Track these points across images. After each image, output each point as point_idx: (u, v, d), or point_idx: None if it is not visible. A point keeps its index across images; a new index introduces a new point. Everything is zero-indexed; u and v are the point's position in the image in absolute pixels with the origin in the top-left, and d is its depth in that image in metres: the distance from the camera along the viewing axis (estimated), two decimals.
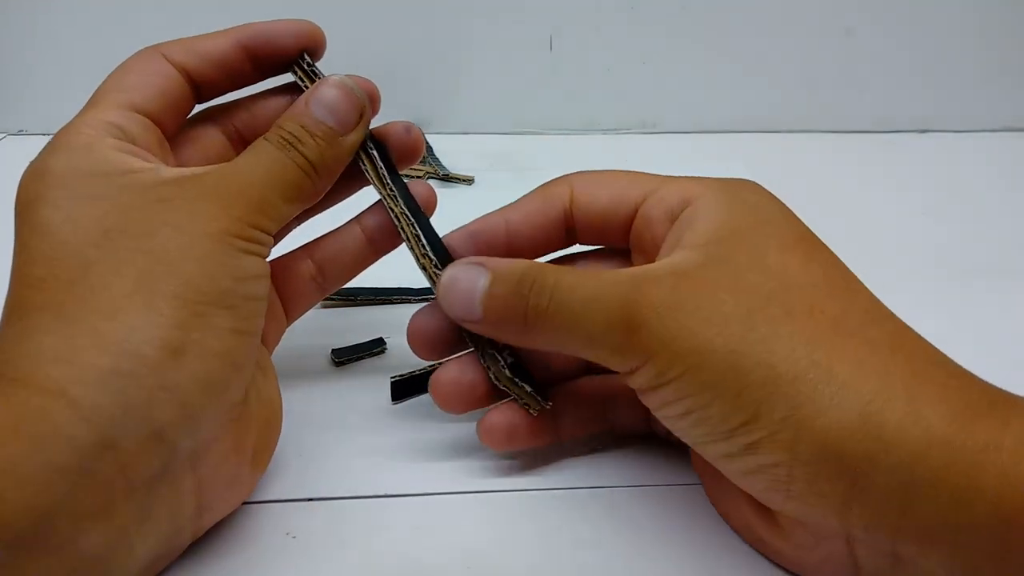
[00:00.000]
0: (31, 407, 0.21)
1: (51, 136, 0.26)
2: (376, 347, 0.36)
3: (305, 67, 0.30)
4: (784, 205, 0.28)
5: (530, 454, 0.30)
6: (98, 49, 0.57)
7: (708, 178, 0.28)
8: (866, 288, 0.26)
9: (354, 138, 0.28)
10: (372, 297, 0.40)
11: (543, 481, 0.30)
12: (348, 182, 0.30)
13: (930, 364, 0.23)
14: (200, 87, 0.29)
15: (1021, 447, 0.21)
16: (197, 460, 0.24)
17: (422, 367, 0.33)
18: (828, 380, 0.22)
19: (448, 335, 0.29)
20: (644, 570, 0.26)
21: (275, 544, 0.27)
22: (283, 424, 0.29)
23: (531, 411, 0.29)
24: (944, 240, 0.47)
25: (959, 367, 0.24)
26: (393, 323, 0.38)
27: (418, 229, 0.29)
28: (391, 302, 0.40)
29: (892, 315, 0.25)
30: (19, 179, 0.25)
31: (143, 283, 0.23)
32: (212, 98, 0.30)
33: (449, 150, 0.55)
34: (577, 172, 0.30)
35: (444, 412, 0.29)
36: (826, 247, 0.27)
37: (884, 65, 0.60)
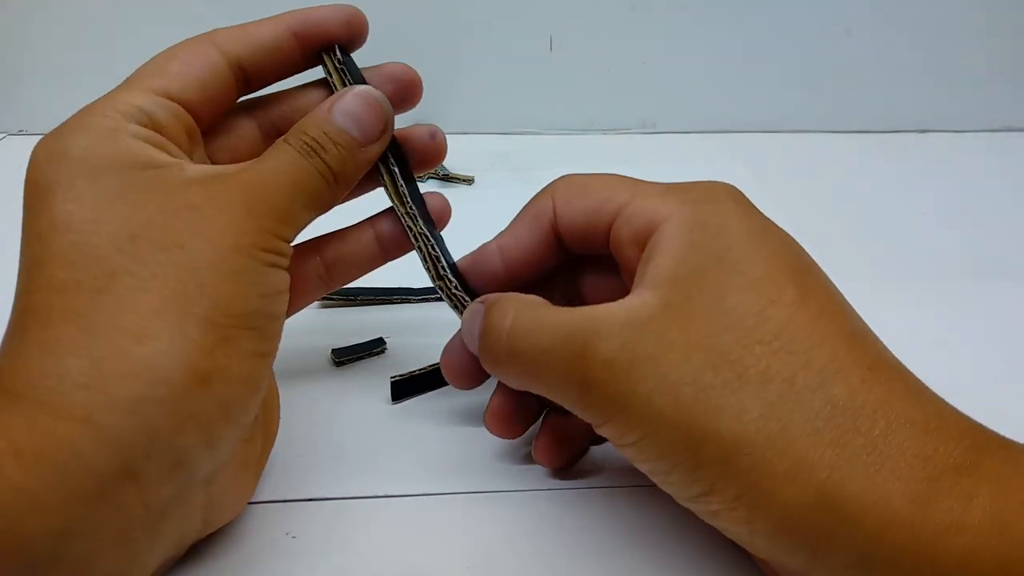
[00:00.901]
0: (55, 433, 0.20)
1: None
2: (376, 347, 0.36)
3: (336, 63, 0.29)
4: (756, 221, 0.26)
5: (529, 454, 0.30)
6: (98, 49, 0.57)
7: (677, 190, 0.27)
8: (844, 318, 0.24)
9: (375, 150, 0.28)
10: (372, 297, 0.40)
11: (543, 481, 0.29)
12: (359, 186, 0.30)
13: (896, 420, 0.22)
14: (250, 77, 0.28)
15: (985, 524, 0.20)
16: (210, 482, 0.24)
17: (422, 367, 0.33)
18: (783, 455, 0.22)
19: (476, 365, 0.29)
20: (644, 570, 0.26)
21: (275, 544, 0.27)
22: (283, 424, 0.29)
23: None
24: (944, 240, 0.47)
25: (937, 409, 0.23)
26: (393, 323, 0.38)
27: (437, 251, 0.30)
28: (391, 302, 0.40)
29: (865, 353, 0.23)
30: (32, 152, 0.24)
31: (173, 302, 0.22)
32: (260, 87, 0.29)
33: (449, 150, 0.55)
34: (561, 179, 0.29)
35: (444, 411, 0.29)
36: (802, 275, 0.25)
37: (884, 65, 0.60)
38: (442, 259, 0.30)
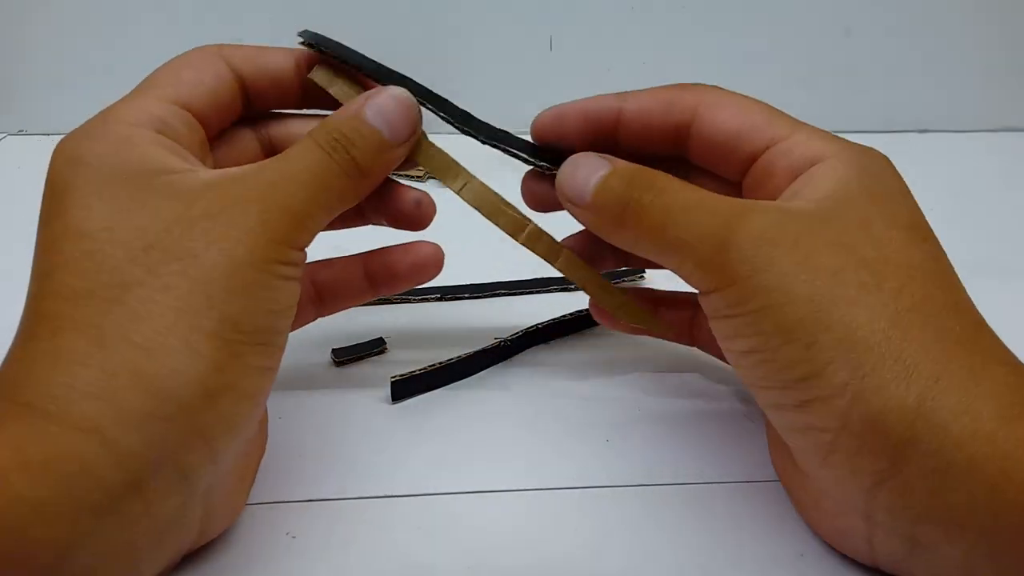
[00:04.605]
0: (63, 444, 0.20)
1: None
2: (376, 347, 0.36)
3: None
4: (906, 186, 0.27)
5: (529, 454, 0.30)
6: (98, 49, 0.57)
7: (841, 139, 0.28)
8: (960, 284, 0.26)
9: (401, 153, 0.28)
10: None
11: (543, 481, 0.29)
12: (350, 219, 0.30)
13: (994, 361, 0.23)
14: (250, 97, 0.28)
15: None
16: (209, 494, 0.24)
17: (422, 367, 0.33)
18: (896, 358, 0.23)
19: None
20: (645, 570, 0.26)
21: (275, 544, 0.27)
22: (284, 424, 0.29)
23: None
24: (944, 240, 0.47)
25: (1019, 364, 0.24)
26: (393, 323, 0.38)
27: (516, 149, 0.30)
28: (391, 302, 0.40)
29: (971, 309, 0.25)
30: (52, 154, 0.24)
31: (183, 316, 0.22)
32: (260, 108, 0.29)
33: (449, 150, 0.55)
34: (708, 88, 0.29)
35: (444, 411, 0.29)
36: (934, 238, 0.26)
37: (884, 65, 0.60)
38: (524, 151, 0.30)
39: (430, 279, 0.31)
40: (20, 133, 0.59)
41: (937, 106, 0.62)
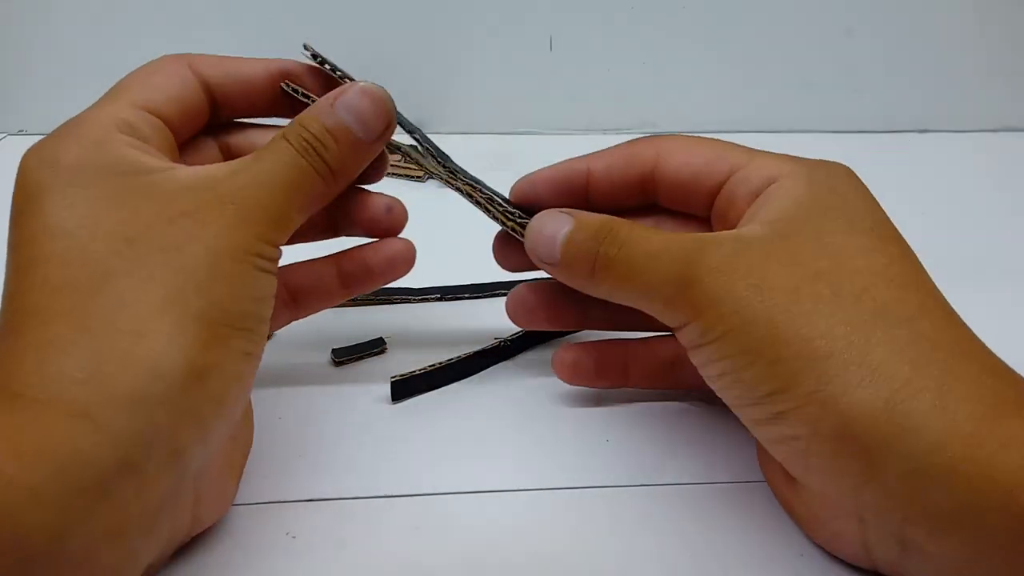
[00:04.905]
0: (55, 430, 0.20)
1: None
2: (376, 347, 0.36)
3: (297, 94, 0.29)
4: (868, 193, 0.28)
5: (529, 454, 0.30)
6: (98, 49, 0.57)
7: (798, 158, 0.29)
8: (932, 284, 0.26)
9: (376, 149, 0.28)
10: (372, 297, 0.40)
11: (543, 481, 0.29)
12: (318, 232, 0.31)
13: (970, 360, 0.24)
14: (218, 103, 0.29)
15: None
16: (199, 477, 0.24)
17: (422, 367, 0.33)
18: (860, 362, 0.23)
19: (547, 303, 0.32)
20: (644, 570, 0.26)
21: (275, 544, 0.27)
22: (284, 424, 0.29)
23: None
24: (944, 240, 0.47)
25: (1002, 365, 0.24)
26: (393, 323, 0.38)
27: (490, 193, 0.30)
28: (391, 302, 0.40)
29: (948, 310, 0.25)
30: (19, 163, 0.24)
31: (171, 301, 0.22)
32: (228, 117, 0.30)
33: (449, 150, 0.55)
34: (665, 136, 0.31)
35: (444, 411, 0.29)
36: (902, 241, 0.27)
37: (884, 65, 0.60)
38: (496, 198, 0.30)
39: (403, 275, 0.31)
40: (20, 133, 0.59)
41: (937, 106, 0.62)
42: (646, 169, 0.30)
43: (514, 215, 0.30)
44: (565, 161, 0.31)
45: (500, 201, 0.30)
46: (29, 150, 0.25)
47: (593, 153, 0.31)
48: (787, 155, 0.29)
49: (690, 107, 0.61)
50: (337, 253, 0.31)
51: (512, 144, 0.58)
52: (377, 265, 0.30)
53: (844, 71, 0.60)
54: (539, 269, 0.29)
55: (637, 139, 0.31)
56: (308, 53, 0.29)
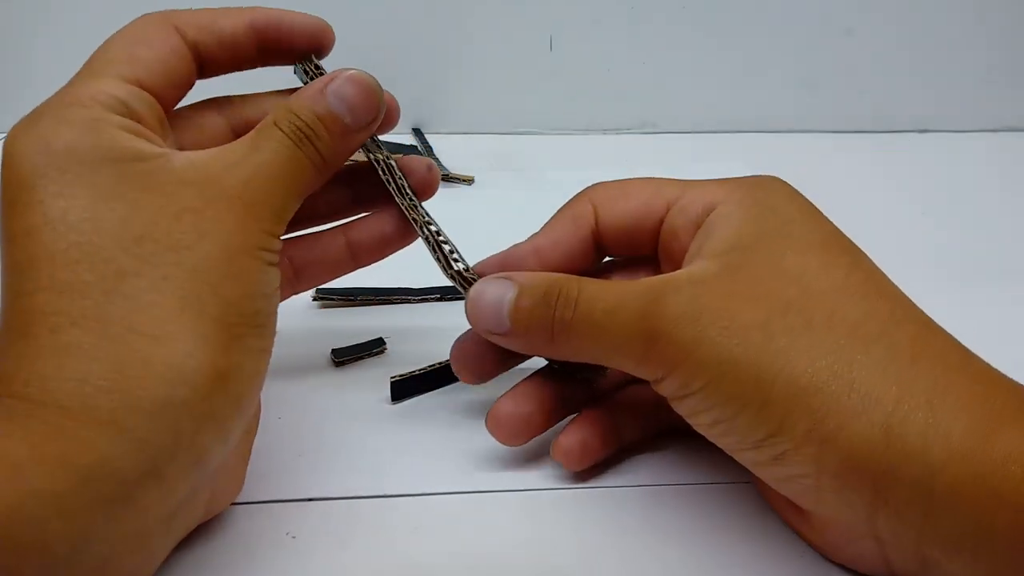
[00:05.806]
0: (80, 438, 0.20)
1: None
2: (376, 347, 0.36)
3: (312, 69, 0.29)
4: (808, 204, 0.27)
5: (529, 454, 0.30)
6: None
7: (730, 180, 0.28)
8: (893, 286, 0.26)
9: (363, 137, 0.27)
10: (372, 297, 0.40)
11: (543, 481, 0.29)
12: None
13: (953, 369, 0.23)
14: (204, 63, 0.28)
15: None
16: (216, 474, 0.24)
17: (422, 367, 0.33)
18: (849, 391, 0.22)
19: (491, 356, 0.29)
20: (645, 570, 0.26)
21: (275, 544, 0.27)
22: (284, 424, 0.29)
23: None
24: (944, 240, 0.47)
25: (986, 368, 0.24)
26: (393, 323, 0.38)
27: (453, 246, 0.29)
28: (391, 302, 0.40)
29: (918, 315, 0.25)
30: (3, 146, 0.23)
31: (188, 302, 0.22)
32: (211, 76, 0.29)
33: (449, 150, 0.55)
34: (596, 185, 0.30)
35: (444, 411, 0.29)
36: (852, 247, 0.26)
37: (884, 65, 0.60)
38: (450, 244, 0.29)
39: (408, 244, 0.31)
40: None
41: (937, 106, 0.62)
42: (589, 228, 0.29)
43: (461, 266, 0.29)
44: (511, 248, 0.30)
45: (452, 248, 0.29)
46: (14, 132, 0.23)
47: (535, 234, 0.30)
48: (720, 180, 0.28)
49: (690, 107, 0.61)
50: (345, 223, 0.31)
51: (512, 144, 0.58)
52: (392, 232, 0.30)
53: (844, 71, 0.60)
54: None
55: (571, 200, 0.30)
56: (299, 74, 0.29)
